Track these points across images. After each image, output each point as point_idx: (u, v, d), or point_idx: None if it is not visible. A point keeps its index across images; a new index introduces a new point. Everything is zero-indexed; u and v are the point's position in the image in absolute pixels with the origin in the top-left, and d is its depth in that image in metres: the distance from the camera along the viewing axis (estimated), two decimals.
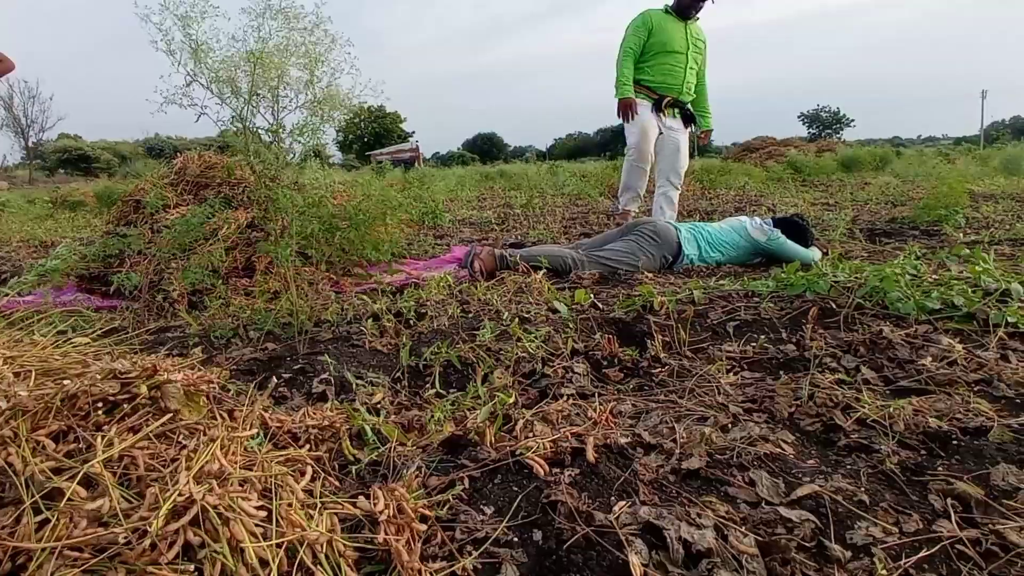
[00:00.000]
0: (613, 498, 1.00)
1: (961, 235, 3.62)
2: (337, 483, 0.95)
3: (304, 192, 2.42)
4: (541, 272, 2.40)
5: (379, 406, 1.34)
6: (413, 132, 61.69)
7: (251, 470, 0.82)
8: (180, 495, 0.76)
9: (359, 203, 2.49)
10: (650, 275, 2.73)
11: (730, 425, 1.27)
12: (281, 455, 0.92)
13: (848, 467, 1.14)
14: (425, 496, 0.93)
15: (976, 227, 3.94)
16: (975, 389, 1.44)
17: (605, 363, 1.64)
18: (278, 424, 1.06)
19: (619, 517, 0.92)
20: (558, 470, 1.05)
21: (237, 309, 1.95)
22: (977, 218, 4.30)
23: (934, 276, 2.15)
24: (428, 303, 2.09)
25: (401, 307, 2.03)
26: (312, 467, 0.89)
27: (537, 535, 0.90)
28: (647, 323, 1.83)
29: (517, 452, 1.07)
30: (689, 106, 4.29)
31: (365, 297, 2.14)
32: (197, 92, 2.68)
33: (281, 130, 2.87)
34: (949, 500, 1.03)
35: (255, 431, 0.98)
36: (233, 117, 2.79)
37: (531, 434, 1.18)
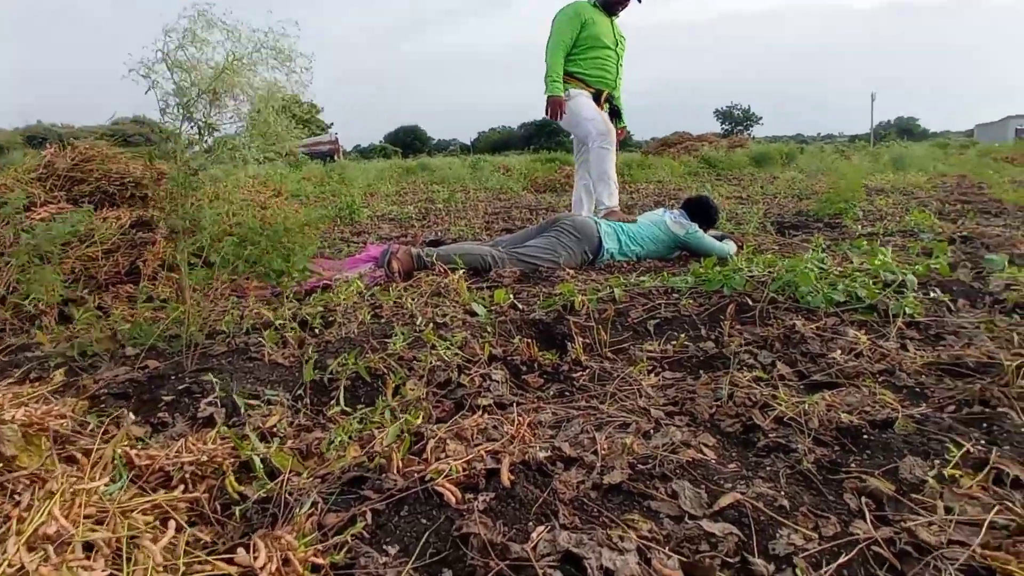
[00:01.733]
0: (531, 523, 0.93)
1: (859, 227, 3.82)
2: (215, 530, 0.82)
3: (222, 196, 2.22)
4: (459, 272, 2.30)
5: (275, 430, 1.21)
6: (332, 124, 59.76)
7: (101, 527, 0.69)
8: (9, 566, 0.63)
9: (271, 213, 2.32)
10: (571, 272, 2.70)
11: (652, 431, 1.23)
12: (146, 502, 0.79)
13: (768, 469, 1.13)
14: (319, 539, 0.82)
15: (872, 219, 4.18)
16: (880, 380, 1.47)
17: (525, 369, 1.57)
18: (147, 462, 0.92)
19: (537, 547, 0.84)
20: (471, 495, 0.97)
21: (115, 321, 1.74)
22: (872, 211, 4.56)
23: (839, 269, 2.23)
24: (337, 309, 1.95)
25: (306, 314, 1.88)
26: (176, 520, 0.76)
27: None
28: (567, 324, 1.78)
29: (427, 478, 0.98)
30: (615, 101, 4.19)
31: (265, 308, 1.96)
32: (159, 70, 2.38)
33: (214, 132, 2.63)
34: (863, 499, 1.03)
35: (114, 474, 0.83)
36: (176, 104, 2.51)
37: (443, 454, 1.09)
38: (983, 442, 1.15)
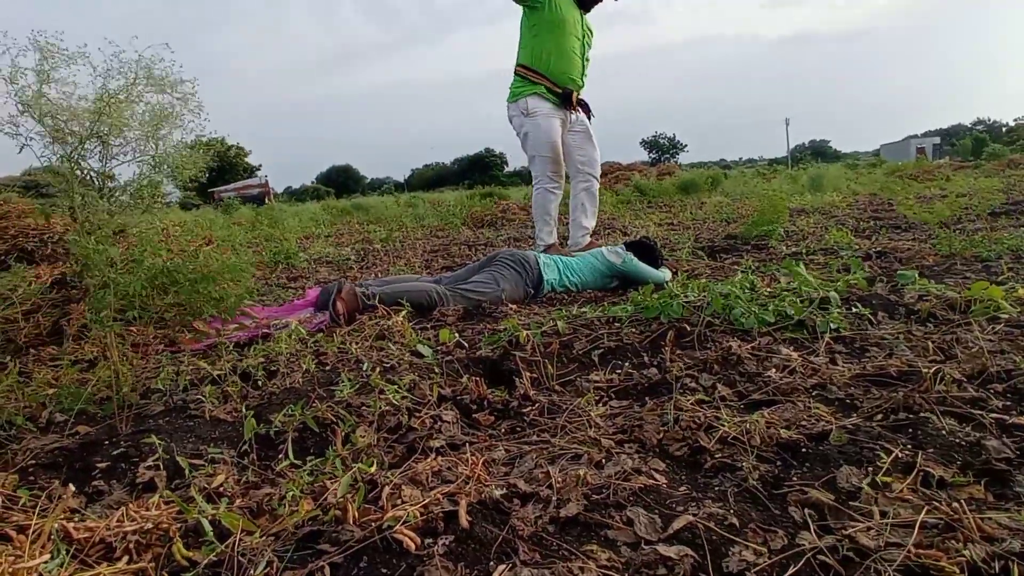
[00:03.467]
0: (492, 563, 0.93)
1: (784, 247, 4.03)
2: None
3: (129, 242, 2.13)
4: (403, 313, 2.29)
5: (222, 489, 1.16)
6: (260, 166, 58.51)
7: None
8: None
9: (197, 252, 2.24)
10: (514, 306, 2.73)
11: (604, 460, 1.26)
12: None
13: (716, 488, 1.17)
14: None
15: (795, 239, 4.42)
16: (813, 394, 1.55)
17: (475, 407, 1.58)
18: (87, 534, 0.87)
19: None
20: (431, 540, 0.97)
21: (39, 386, 1.64)
22: (795, 231, 4.83)
23: (768, 289, 2.35)
24: (279, 358, 1.90)
25: (247, 366, 1.82)
26: None
27: None
28: (514, 359, 1.80)
29: (384, 526, 0.97)
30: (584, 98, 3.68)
31: (203, 361, 1.89)
32: (27, 123, 2.26)
33: (110, 180, 2.52)
34: (806, 510, 1.08)
35: (53, 550, 0.79)
36: (61, 156, 2.40)
37: (399, 500, 1.08)
38: (910, 447, 1.23)
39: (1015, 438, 1.25)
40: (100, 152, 2.41)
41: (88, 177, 2.42)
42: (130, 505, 1.02)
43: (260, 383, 1.75)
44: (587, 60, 3.64)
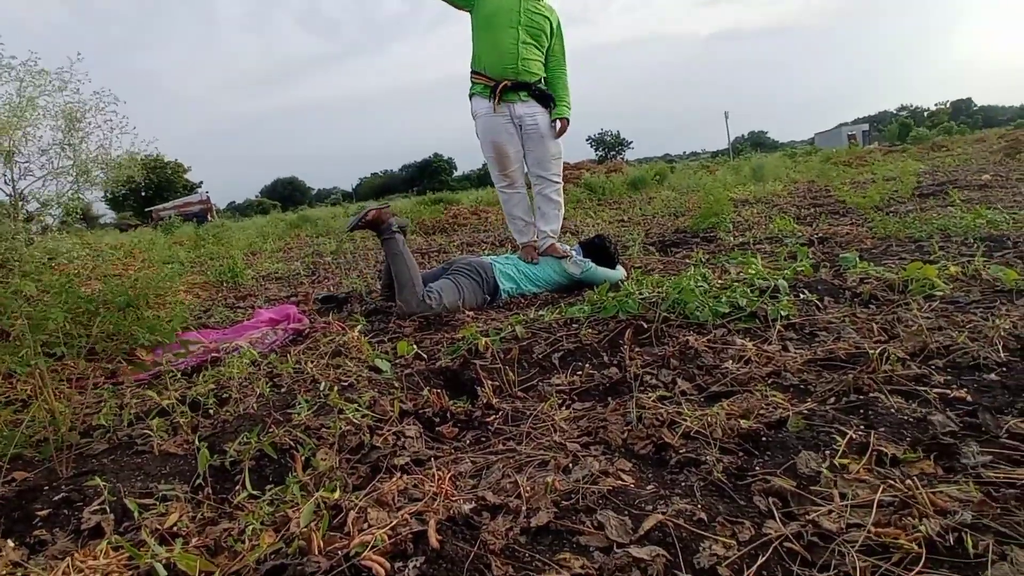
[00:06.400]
0: None
1: (732, 238, 4.13)
2: None
3: (48, 271, 2.01)
4: (358, 328, 2.24)
5: (176, 529, 1.11)
6: (201, 182, 56.59)
7: None
8: None
9: (133, 277, 2.14)
10: (471, 313, 2.71)
11: (571, 465, 1.25)
12: None
13: (683, 484, 1.18)
14: None
15: (741, 229, 4.54)
16: (769, 382, 1.59)
17: (438, 420, 1.55)
18: None
19: None
20: (401, 564, 0.94)
21: None
22: (741, 221, 4.96)
23: (719, 281, 2.40)
24: (231, 383, 1.83)
25: (197, 394, 1.75)
26: None
27: None
28: (474, 368, 1.78)
29: (352, 554, 0.94)
30: (540, 85, 3.44)
31: (149, 391, 1.80)
32: None
33: (21, 202, 2.38)
34: (770, 499, 1.10)
35: None
36: None
37: (366, 525, 1.05)
38: (862, 427, 1.27)
39: (957, 411, 1.31)
40: (4, 172, 2.27)
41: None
42: (76, 555, 0.96)
43: (211, 411, 1.68)
44: (527, 45, 3.35)
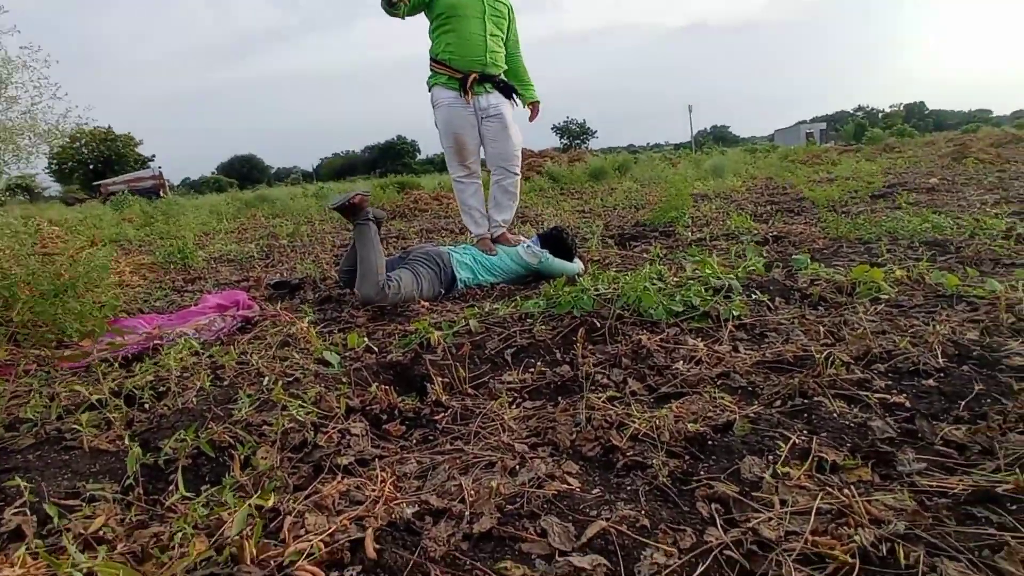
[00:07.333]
0: None
1: (690, 234, 4.18)
2: None
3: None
4: (307, 320, 2.18)
5: (101, 534, 1.05)
6: (153, 156, 54.44)
7: None
8: None
9: (76, 257, 2.02)
10: (426, 304, 2.67)
11: (517, 467, 1.24)
12: None
13: (628, 489, 1.18)
14: None
15: (700, 224, 4.59)
16: (718, 384, 1.60)
17: (385, 417, 1.52)
18: None
19: None
20: (336, 573, 0.91)
21: None
22: (700, 217, 5.02)
23: (675, 278, 2.41)
24: (170, 375, 1.75)
25: (133, 386, 1.67)
26: None
27: None
28: (425, 363, 1.75)
29: (286, 563, 0.90)
30: (502, 76, 3.48)
31: (82, 384, 1.70)
32: None
33: None
34: (713, 505, 1.11)
35: None
36: None
37: (303, 531, 1.02)
38: (805, 432, 1.29)
39: (896, 417, 1.34)
40: None
41: None
42: None
43: (148, 405, 1.60)
44: (495, 37, 3.40)
